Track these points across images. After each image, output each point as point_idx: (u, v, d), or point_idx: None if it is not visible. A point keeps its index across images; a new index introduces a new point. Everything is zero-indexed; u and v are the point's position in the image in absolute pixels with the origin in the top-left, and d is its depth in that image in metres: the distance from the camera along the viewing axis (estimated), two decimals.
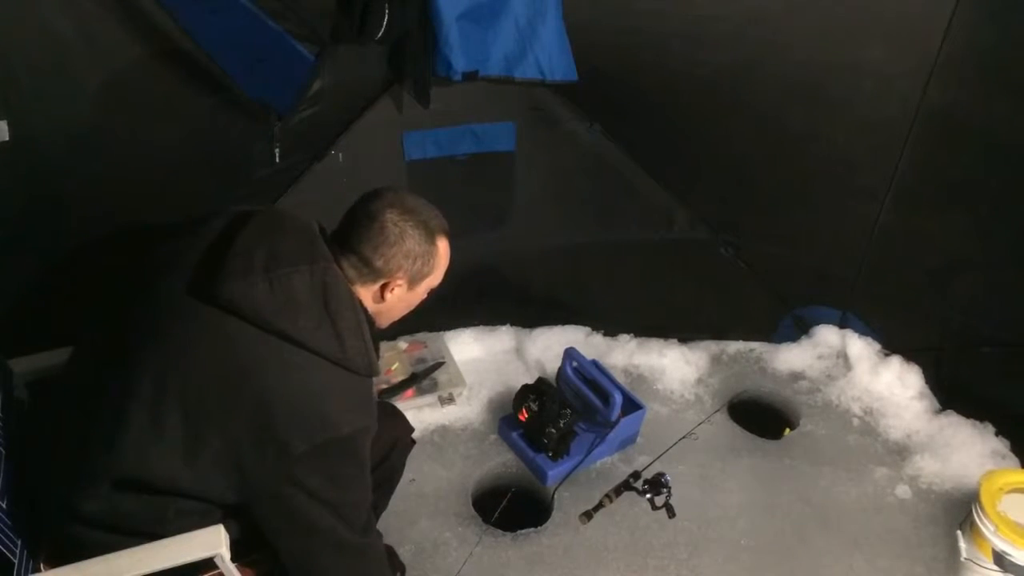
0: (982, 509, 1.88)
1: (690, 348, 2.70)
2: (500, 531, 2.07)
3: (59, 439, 1.35)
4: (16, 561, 1.28)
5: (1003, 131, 2.03)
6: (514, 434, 2.29)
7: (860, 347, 2.62)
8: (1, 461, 1.36)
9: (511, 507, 2.12)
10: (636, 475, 2.14)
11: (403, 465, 1.82)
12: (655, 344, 2.68)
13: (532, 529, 2.08)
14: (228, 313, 1.28)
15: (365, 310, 1.41)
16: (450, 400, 2.42)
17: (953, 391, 2.47)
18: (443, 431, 2.36)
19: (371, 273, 1.41)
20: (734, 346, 2.74)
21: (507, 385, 2.47)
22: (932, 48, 1.98)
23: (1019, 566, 1.83)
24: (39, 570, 1.35)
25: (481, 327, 2.70)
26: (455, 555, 1.99)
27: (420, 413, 2.36)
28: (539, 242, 2.58)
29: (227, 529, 1.30)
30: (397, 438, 1.76)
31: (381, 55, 2.01)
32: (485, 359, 2.62)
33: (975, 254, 2.27)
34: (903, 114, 2.11)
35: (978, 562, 1.90)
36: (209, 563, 1.29)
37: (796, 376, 2.63)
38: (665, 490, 2.07)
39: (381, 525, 1.55)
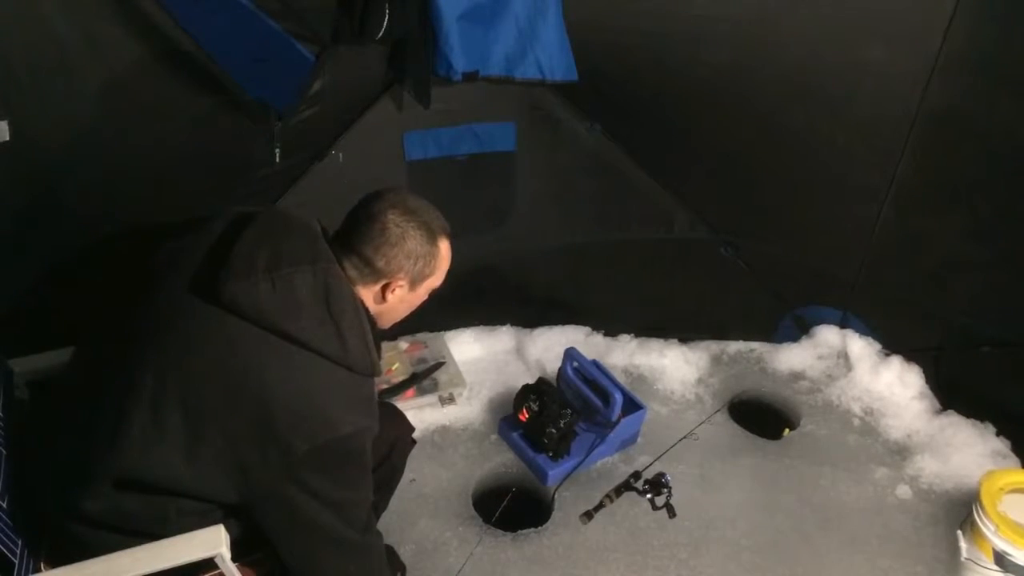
0: (982, 509, 1.88)
1: (690, 348, 2.70)
2: (500, 531, 2.07)
3: (60, 439, 1.35)
4: (17, 561, 1.28)
5: (1003, 131, 2.03)
6: (514, 434, 2.29)
7: (860, 347, 2.62)
8: (1, 461, 1.36)
9: (511, 507, 2.12)
10: (636, 475, 2.15)
11: (403, 465, 1.82)
12: (655, 344, 2.69)
13: (532, 529, 2.08)
14: (230, 313, 1.28)
15: (367, 310, 1.41)
16: (450, 400, 2.42)
17: (953, 391, 2.47)
18: (443, 431, 2.36)
19: (372, 274, 1.41)
20: (734, 346, 2.74)
21: (507, 385, 2.47)
22: (932, 48, 1.98)
23: (1020, 566, 1.83)
24: (40, 570, 1.35)
25: (481, 327, 2.70)
26: (455, 555, 1.99)
27: (420, 413, 2.36)
28: (539, 242, 2.58)
29: (228, 529, 1.30)
30: (397, 438, 1.76)
31: (381, 55, 2.01)
32: (485, 359, 2.62)
33: (975, 254, 2.26)
34: (903, 114, 2.11)
35: (979, 562, 1.90)
36: (210, 563, 1.29)
37: (796, 376, 2.63)
38: (665, 490, 2.07)
39: (381, 525, 1.55)
